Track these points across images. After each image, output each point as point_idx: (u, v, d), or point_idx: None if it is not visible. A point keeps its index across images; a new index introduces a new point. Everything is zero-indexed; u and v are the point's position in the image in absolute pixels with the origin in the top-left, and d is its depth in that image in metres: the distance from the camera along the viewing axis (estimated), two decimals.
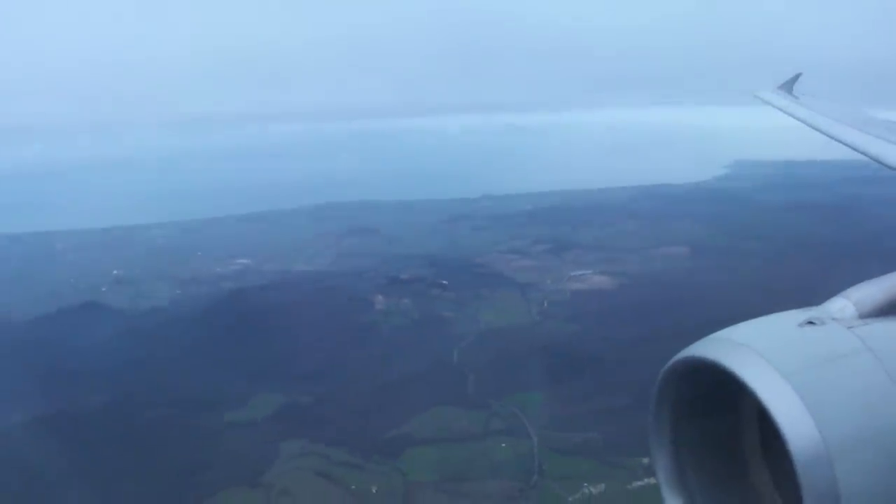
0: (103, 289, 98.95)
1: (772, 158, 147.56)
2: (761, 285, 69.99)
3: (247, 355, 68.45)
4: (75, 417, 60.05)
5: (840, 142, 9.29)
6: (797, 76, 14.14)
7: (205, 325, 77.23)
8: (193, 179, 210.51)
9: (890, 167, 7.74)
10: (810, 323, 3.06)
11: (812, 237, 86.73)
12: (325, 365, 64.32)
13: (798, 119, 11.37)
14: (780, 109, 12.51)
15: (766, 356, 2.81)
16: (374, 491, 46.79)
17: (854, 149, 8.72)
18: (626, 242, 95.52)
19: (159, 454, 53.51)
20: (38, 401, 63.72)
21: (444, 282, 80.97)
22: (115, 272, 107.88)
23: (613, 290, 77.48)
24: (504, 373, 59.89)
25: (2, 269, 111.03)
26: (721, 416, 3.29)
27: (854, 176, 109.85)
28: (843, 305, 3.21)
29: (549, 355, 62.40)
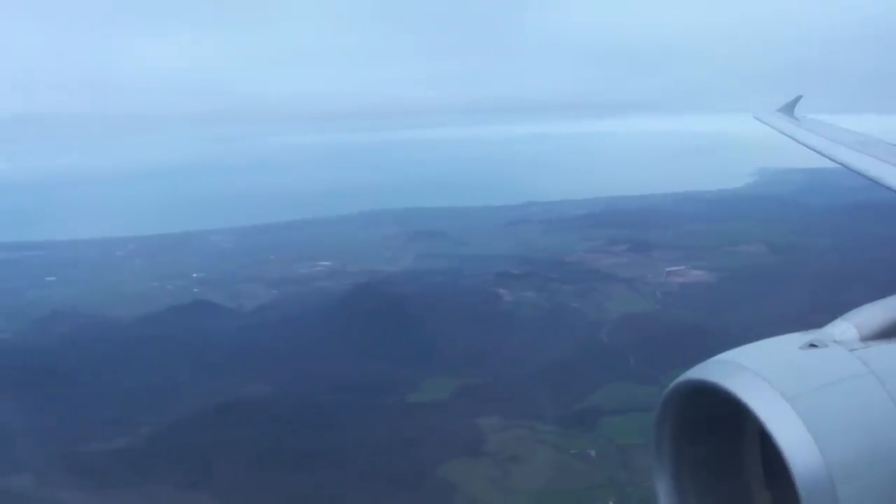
0: (195, 290, 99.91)
1: (796, 166, 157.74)
2: (853, 276, 77.09)
3: (395, 344, 71.36)
4: (255, 404, 61.91)
5: (839, 163, 9.56)
6: (798, 98, 14.37)
7: (331, 319, 79.47)
8: (234, 187, 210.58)
9: (889, 188, 7.86)
10: (812, 346, 3.10)
11: (876, 234, 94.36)
12: (482, 350, 68.07)
13: (798, 141, 11.56)
14: (781, 132, 12.62)
15: (768, 379, 2.85)
16: (593, 454, 51.01)
17: (853, 170, 8.88)
18: (700, 242, 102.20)
19: (362, 433, 56.19)
20: (205, 391, 65.31)
21: (555, 276, 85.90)
22: (194, 275, 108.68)
23: (717, 282, 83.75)
24: (658, 351, 64.58)
25: (74, 273, 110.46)
26: (723, 439, 3.32)
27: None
28: (844, 328, 3.25)
29: (689, 336, 67.25)
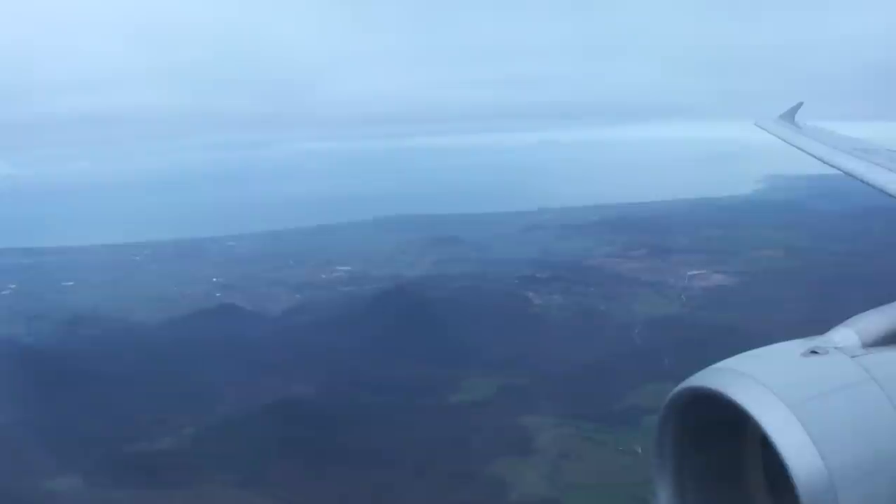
0: (217, 294, 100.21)
1: (803, 172, 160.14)
2: (870, 279, 78.74)
3: (430, 346, 72.00)
4: (298, 405, 62.29)
5: (841, 170, 9.47)
6: (799, 105, 14.26)
7: (361, 322, 79.96)
8: (249, 194, 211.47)
9: (891, 195, 7.87)
10: (813, 352, 3.11)
11: (882, 239, 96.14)
12: (518, 351, 69.00)
13: (799, 148, 11.51)
14: (782, 139, 12.51)
15: (769, 386, 2.85)
16: (639, 451, 51.90)
17: (855, 178, 8.85)
18: (718, 246, 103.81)
19: (408, 432, 56.81)
20: (245, 392, 65.68)
21: (579, 280, 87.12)
22: (214, 279, 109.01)
23: (739, 286, 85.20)
24: (692, 352, 65.22)
25: (91, 277, 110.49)
26: (724, 446, 3.33)
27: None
28: (846, 335, 3.26)
29: (720, 338, 68.42)
